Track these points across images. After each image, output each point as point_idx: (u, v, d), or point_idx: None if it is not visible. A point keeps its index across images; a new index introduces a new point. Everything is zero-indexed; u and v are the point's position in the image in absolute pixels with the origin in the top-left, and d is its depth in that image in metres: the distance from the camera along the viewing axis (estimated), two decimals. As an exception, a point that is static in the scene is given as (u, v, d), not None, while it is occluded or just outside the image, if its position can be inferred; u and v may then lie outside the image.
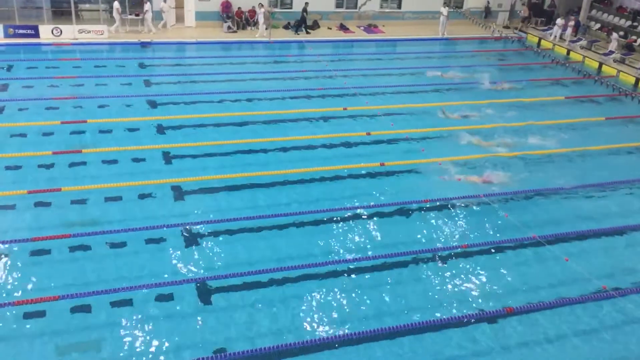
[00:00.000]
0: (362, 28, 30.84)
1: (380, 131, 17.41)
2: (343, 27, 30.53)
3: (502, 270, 11.48)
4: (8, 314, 9.43)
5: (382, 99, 20.38)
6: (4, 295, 9.88)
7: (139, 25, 27.20)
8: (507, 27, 32.16)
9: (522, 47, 29.22)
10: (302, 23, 29.03)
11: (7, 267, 10.57)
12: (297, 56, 25.94)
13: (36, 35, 25.23)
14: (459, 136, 17.22)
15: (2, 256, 10.83)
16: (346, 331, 9.59)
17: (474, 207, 13.58)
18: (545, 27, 31.37)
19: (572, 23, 29.24)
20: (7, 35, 24.92)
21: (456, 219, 13.15)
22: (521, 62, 26.43)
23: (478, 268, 11.49)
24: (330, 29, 30.36)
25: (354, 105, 19.49)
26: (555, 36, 29.12)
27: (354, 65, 24.60)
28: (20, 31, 25.09)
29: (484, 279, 11.18)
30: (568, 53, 27.55)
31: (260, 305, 10.11)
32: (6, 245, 11.07)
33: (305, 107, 19.27)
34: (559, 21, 29.54)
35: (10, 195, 12.71)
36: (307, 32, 28.98)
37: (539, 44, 29.20)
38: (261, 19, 27.76)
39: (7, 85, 19.64)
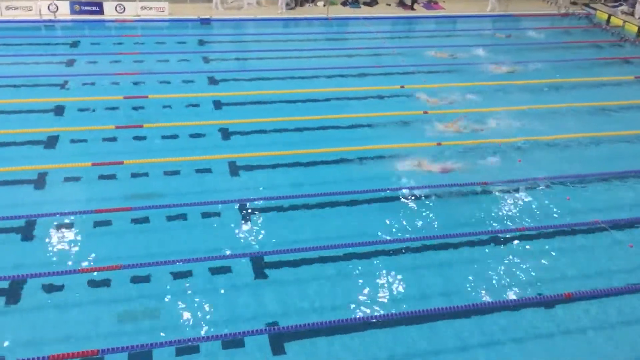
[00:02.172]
0: (421, 4, 30.18)
1: (438, 110, 17.09)
2: (402, 4, 29.97)
3: (561, 255, 11.15)
4: (73, 281, 9.82)
5: (440, 77, 19.96)
6: (70, 263, 10.30)
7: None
8: (574, 2, 30.84)
9: (590, 24, 27.98)
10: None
11: (73, 237, 11.01)
12: (354, 33, 25.67)
13: (100, 11, 25.88)
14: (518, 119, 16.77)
15: (68, 226, 11.27)
16: (401, 309, 9.55)
17: (538, 189, 13.22)
18: (615, 3, 29.89)
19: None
20: (73, 12, 25.67)
21: (516, 200, 12.82)
22: (588, 40, 25.35)
23: (536, 251, 11.21)
24: (389, 5, 29.88)
25: (412, 83, 19.18)
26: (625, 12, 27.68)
27: (412, 43, 24.16)
28: (86, 8, 25.80)
29: (542, 263, 10.90)
30: (640, 31, 26.23)
31: (313, 281, 10.18)
32: (72, 216, 11.51)
33: (363, 84, 19.09)
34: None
35: (76, 167, 13.18)
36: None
37: (608, 20, 27.87)
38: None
39: (73, 60, 20.27)
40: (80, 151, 14.12)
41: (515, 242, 11.48)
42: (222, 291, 9.87)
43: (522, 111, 17.16)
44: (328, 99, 17.78)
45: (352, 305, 9.68)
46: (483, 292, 10.09)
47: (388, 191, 12.89)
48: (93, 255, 10.54)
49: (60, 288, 9.68)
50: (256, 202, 12.33)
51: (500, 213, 12.38)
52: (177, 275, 10.09)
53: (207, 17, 26.16)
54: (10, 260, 10.28)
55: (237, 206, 12.15)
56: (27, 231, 11.06)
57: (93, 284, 9.80)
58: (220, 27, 25.77)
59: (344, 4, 29.60)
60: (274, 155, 14.08)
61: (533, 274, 10.58)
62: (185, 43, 23.17)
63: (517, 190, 13.20)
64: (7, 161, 13.31)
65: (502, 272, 10.60)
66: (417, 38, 25.42)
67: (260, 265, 10.46)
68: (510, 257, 11.04)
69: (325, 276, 10.33)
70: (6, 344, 8.59)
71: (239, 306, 9.57)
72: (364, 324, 9.27)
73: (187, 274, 10.13)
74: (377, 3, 29.86)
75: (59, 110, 16.27)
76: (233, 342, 8.80)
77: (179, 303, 9.54)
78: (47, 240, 10.90)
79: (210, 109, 16.90)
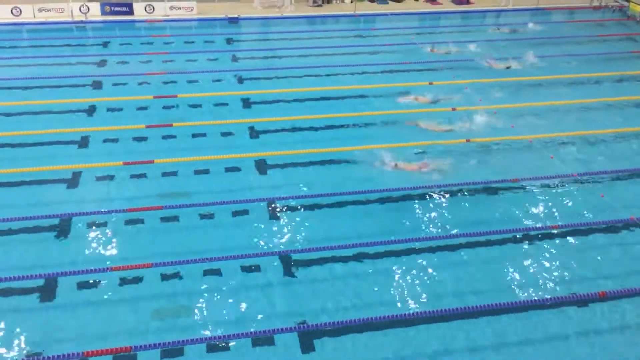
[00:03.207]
0: (450, -1, 29.88)
1: (466, 107, 16.91)
2: (430, -1, 29.71)
3: (595, 253, 10.94)
4: (105, 279, 9.98)
5: (469, 73, 19.72)
6: (102, 261, 10.46)
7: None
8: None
9: (624, 16, 27.35)
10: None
11: (105, 235, 11.18)
12: (382, 29, 25.53)
13: (130, 12, 26.21)
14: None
15: (101, 225, 11.45)
16: (432, 307, 9.50)
17: (570, 186, 13.00)
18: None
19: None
20: (104, 13, 26.04)
21: (549, 197, 12.62)
22: (622, 33, 24.78)
23: (569, 249, 11.02)
24: (417, 0, 29.63)
25: (440, 79, 19.00)
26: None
27: (440, 38, 23.92)
28: (116, 9, 26.14)
29: (576, 261, 10.71)
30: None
31: (341, 279, 10.18)
32: (104, 215, 11.70)
33: (390, 81, 18.97)
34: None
35: (108, 166, 13.38)
36: None
37: (643, 12, 27.25)
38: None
39: (104, 61, 20.58)
40: (112, 150, 14.33)
41: (548, 239, 11.30)
42: (252, 289, 9.92)
43: (554, 106, 16.89)
44: (354, 96, 17.70)
45: (380, 304, 9.65)
46: (529, 290, 9.97)
47: (420, 189, 12.79)
48: (125, 253, 10.70)
49: (93, 286, 9.85)
50: (285, 200, 12.36)
51: (533, 210, 12.19)
52: (207, 273, 10.18)
53: (235, 15, 26.29)
54: (45, 258, 10.49)
55: (265, 204, 12.19)
56: (61, 229, 11.27)
57: (125, 281, 9.95)
58: (248, 25, 25.88)
59: (371, 0, 29.45)
60: (303, 153, 14.09)
61: (566, 272, 10.41)
62: (214, 42, 23.35)
63: (549, 187, 12.99)
64: (43, 160, 13.58)
65: (537, 270, 10.46)
66: (444, 33, 25.13)
67: (288, 264, 10.49)
68: (544, 254, 10.88)
69: (353, 274, 10.31)
70: (42, 340, 8.78)
71: (268, 304, 9.61)
72: (392, 322, 9.22)
73: (217, 272, 10.22)
74: (404, -1, 29.64)
75: (91, 110, 16.54)
76: (263, 339, 8.85)
77: (209, 301, 9.63)
78: (80, 238, 11.09)
79: (238, 107, 16.99)
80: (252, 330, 8.98)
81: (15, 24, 25.09)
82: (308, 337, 8.94)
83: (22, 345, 8.68)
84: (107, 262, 10.39)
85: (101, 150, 14.34)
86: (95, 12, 25.84)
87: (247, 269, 10.32)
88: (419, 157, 14.08)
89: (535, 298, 9.79)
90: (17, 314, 9.27)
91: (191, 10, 26.51)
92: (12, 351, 8.57)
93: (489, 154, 14.40)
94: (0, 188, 12.62)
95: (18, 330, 8.94)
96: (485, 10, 28.34)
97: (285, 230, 11.45)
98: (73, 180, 12.90)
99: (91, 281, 9.93)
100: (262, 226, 11.55)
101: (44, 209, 11.76)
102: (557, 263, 10.65)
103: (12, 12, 25.31)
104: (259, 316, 9.35)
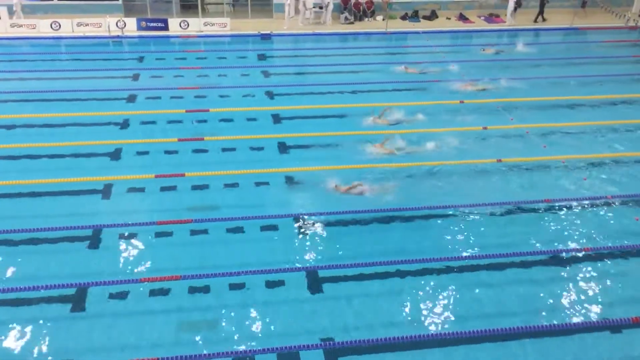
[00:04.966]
0: (482, 18, 29.86)
1: (498, 125, 16.78)
2: (462, 17, 29.71)
3: (628, 277, 10.70)
4: (135, 290, 10.11)
5: (501, 91, 19.59)
6: (132, 272, 10.62)
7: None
8: (644, 15, 29.82)
9: (660, 37, 26.99)
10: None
11: (135, 247, 11.35)
12: (413, 47, 25.58)
13: (165, 28, 26.78)
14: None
15: (131, 236, 11.63)
16: (461, 329, 9.38)
17: (604, 207, 12.78)
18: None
19: None
20: (139, 28, 26.65)
21: (580, 219, 12.42)
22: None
23: (602, 273, 10.80)
24: (449, 19, 29.66)
25: (471, 98, 18.92)
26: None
27: (471, 57, 23.86)
28: (152, 24, 26.74)
29: (608, 285, 10.49)
30: None
31: (367, 297, 10.13)
32: (135, 227, 11.87)
33: (420, 99, 18.95)
34: None
35: (140, 178, 13.60)
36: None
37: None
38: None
39: (138, 75, 21.02)
40: (144, 163, 14.58)
41: (580, 262, 11.09)
42: (278, 304, 9.94)
43: (595, 126, 16.67)
44: (386, 112, 17.69)
45: (407, 323, 9.59)
46: (558, 313, 9.80)
47: (449, 208, 12.70)
48: (154, 265, 10.83)
49: (122, 296, 9.99)
50: (313, 217, 12.39)
51: (565, 232, 12.00)
52: (234, 287, 10.24)
53: (268, 32, 26.64)
54: (76, 268, 10.69)
55: (293, 220, 12.24)
56: (93, 240, 11.47)
57: (154, 293, 10.06)
58: (280, 42, 26.19)
59: (403, 18, 29.57)
60: (331, 170, 14.12)
61: (597, 297, 10.21)
62: (246, 58, 23.68)
63: (582, 208, 12.78)
64: (77, 171, 13.89)
65: (568, 294, 10.27)
66: (476, 52, 25.05)
67: (315, 280, 10.49)
68: (576, 278, 10.68)
69: (379, 292, 10.26)
70: (71, 348, 8.92)
71: (295, 320, 9.61)
72: (418, 343, 9.14)
73: (244, 286, 10.27)
74: (437, 17, 29.71)
75: (124, 123, 16.87)
76: (288, 355, 8.85)
77: (235, 315, 9.67)
78: (111, 249, 11.27)
79: (269, 122, 17.15)
80: (277, 345, 8.98)
81: (54, 37, 25.83)
82: (334, 354, 8.91)
83: (53, 353, 8.82)
84: (137, 274, 10.54)
85: (133, 163, 14.60)
86: (131, 27, 26.46)
87: (273, 284, 10.35)
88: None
89: (564, 322, 9.60)
90: (49, 322, 9.43)
91: (225, 27, 26.95)
92: (43, 359, 8.71)
93: (519, 173, 14.24)
94: (36, 198, 12.91)
95: (49, 338, 9.10)
96: (519, 29, 28.19)
97: (312, 246, 11.47)
98: (106, 192, 13.15)
99: (121, 292, 10.06)
100: (290, 241, 11.59)
101: (77, 219, 11.98)
102: (588, 287, 10.44)
103: (51, 27, 26.07)
104: (285, 331, 9.35)
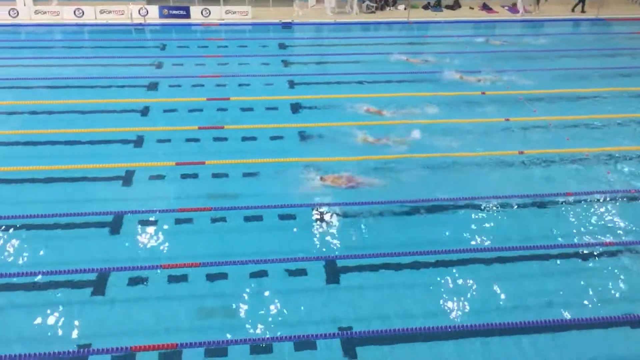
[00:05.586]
0: (506, 7, 29.47)
1: (520, 117, 16.59)
2: (486, 7, 29.35)
3: (652, 274, 10.57)
4: (155, 276, 10.21)
5: (524, 83, 19.33)
6: (152, 259, 10.70)
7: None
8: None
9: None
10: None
11: (156, 233, 11.46)
12: (435, 37, 25.35)
13: (187, 15, 26.85)
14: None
15: (152, 223, 11.73)
16: (479, 322, 9.34)
17: (627, 201, 12.60)
18: None
19: None
20: (162, 16, 26.76)
21: (603, 213, 12.26)
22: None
23: (623, 268, 10.66)
24: (472, 8, 29.31)
25: (494, 90, 18.72)
26: None
27: (494, 48, 23.57)
28: (174, 12, 26.85)
29: (630, 280, 10.35)
30: None
31: (388, 287, 10.12)
32: (156, 213, 11.98)
33: (441, 90, 18.79)
34: None
35: (161, 166, 13.71)
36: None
37: None
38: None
39: (161, 63, 21.13)
40: (165, 150, 14.67)
41: (602, 257, 10.95)
42: (296, 293, 9.97)
43: (620, 119, 16.42)
44: (404, 103, 17.57)
45: (424, 314, 9.55)
46: (578, 307, 9.72)
47: (469, 200, 12.61)
48: (174, 252, 10.92)
49: (142, 282, 10.09)
50: (332, 207, 12.39)
51: (587, 226, 11.85)
52: (252, 275, 10.29)
53: (289, 21, 26.58)
54: (98, 253, 10.82)
55: (312, 209, 12.25)
56: (114, 226, 11.60)
57: (173, 279, 10.15)
58: (301, 30, 26.12)
59: (425, 7, 29.29)
60: (351, 160, 14.08)
61: (618, 291, 10.09)
62: (267, 46, 23.66)
63: (605, 202, 12.61)
64: (99, 158, 14.02)
65: (588, 289, 10.16)
66: (499, 42, 24.73)
67: (334, 269, 10.51)
68: (597, 272, 10.55)
69: (400, 283, 10.24)
70: (92, 332, 9.05)
71: (312, 309, 9.64)
72: (435, 334, 9.11)
73: (263, 274, 10.32)
74: (459, 6, 29.38)
75: (146, 110, 16.99)
76: (305, 343, 8.89)
77: (254, 302, 9.72)
78: (132, 235, 11.39)
79: (288, 112, 17.14)
80: (295, 334, 9.03)
81: (77, 25, 26.05)
82: (351, 343, 8.92)
83: (74, 336, 8.97)
84: (157, 260, 10.64)
85: (155, 150, 14.70)
86: (153, 14, 26.58)
87: (292, 273, 10.38)
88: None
89: (583, 317, 9.51)
90: (70, 306, 9.57)
91: (246, 15, 26.94)
92: (64, 341, 8.87)
93: (541, 166, 14.08)
94: (59, 183, 13.07)
95: (70, 322, 9.24)
96: (543, 19, 27.78)
97: (331, 236, 11.47)
98: (127, 179, 13.28)
99: (140, 277, 10.17)
100: (309, 230, 11.61)
101: (99, 205, 12.14)
102: (609, 282, 10.31)
103: (75, 14, 26.29)
104: (302, 320, 9.39)
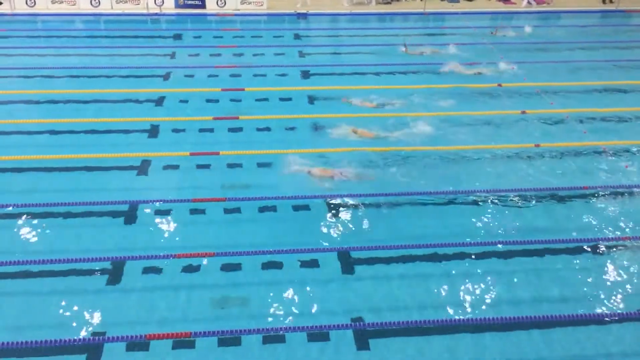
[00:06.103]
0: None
1: (537, 110, 16.43)
2: (503, -2, 29.04)
3: (669, 269, 10.45)
4: (169, 265, 10.28)
5: (540, 75, 19.14)
6: (167, 248, 10.76)
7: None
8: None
9: None
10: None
11: (171, 223, 11.52)
12: (451, 28, 25.14)
13: (202, 5, 26.85)
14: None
15: (167, 213, 11.79)
16: (494, 315, 9.30)
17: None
18: None
19: None
20: (177, 6, 26.79)
21: (624, 206, 12.13)
22: None
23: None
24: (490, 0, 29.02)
25: (511, 81, 18.54)
26: None
27: (513, 39, 23.33)
28: (189, 2, 26.84)
29: (646, 277, 10.27)
30: None
31: (402, 279, 10.10)
32: (171, 203, 12.04)
33: (458, 81, 18.64)
34: None
35: (175, 156, 13.76)
36: None
37: None
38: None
39: (175, 53, 21.16)
40: (180, 140, 14.71)
41: (618, 252, 10.85)
42: (309, 284, 9.99)
43: (638, 112, 16.23)
44: (419, 94, 17.47)
45: (438, 307, 9.53)
46: (593, 303, 9.64)
47: (483, 192, 12.53)
48: (188, 241, 10.98)
49: (157, 271, 10.15)
50: (346, 198, 12.36)
51: (603, 220, 11.73)
52: (266, 266, 10.32)
53: (304, 11, 26.48)
54: (113, 242, 10.90)
55: (326, 200, 12.24)
56: (129, 215, 11.67)
57: (187, 269, 10.20)
58: (316, 21, 26.02)
59: (441, -2, 29.04)
60: (365, 151, 14.04)
61: (636, 288, 9.99)
62: (282, 37, 23.61)
63: (622, 196, 12.48)
64: (115, 147, 14.10)
65: (604, 284, 10.08)
66: (518, 34, 24.46)
67: (347, 261, 10.50)
68: (613, 268, 10.46)
69: (411, 275, 10.22)
70: (106, 320, 9.13)
71: (325, 300, 9.65)
72: (450, 327, 9.08)
73: (276, 265, 10.34)
74: (476, -3, 29.09)
75: (161, 100, 17.04)
76: (318, 334, 8.90)
77: (267, 293, 9.75)
78: (147, 224, 11.45)
79: (303, 102, 17.11)
80: (307, 324, 9.05)
81: (94, 14, 26.16)
82: (363, 335, 8.93)
83: (89, 324, 9.06)
84: (172, 249, 10.69)
85: (169, 140, 14.75)
86: (169, 4, 26.62)
87: (305, 264, 10.39)
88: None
89: (598, 313, 9.44)
90: (85, 294, 9.66)
91: (261, 5, 26.89)
92: (79, 329, 8.96)
93: (557, 159, 13.94)
94: (75, 172, 13.18)
95: (85, 310, 9.33)
96: (561, 10, 27.44)
97: (345, 227, 11.46)
98: (142, 168, 13.35)
99: (155, 267, 10.24)
100: (322, 222, 11.60)
101: (114, 194, 12.21)
102: (625, 277, 10.21)
103: (91, 3, 26.40)
104: (315, 311, 9.41)
